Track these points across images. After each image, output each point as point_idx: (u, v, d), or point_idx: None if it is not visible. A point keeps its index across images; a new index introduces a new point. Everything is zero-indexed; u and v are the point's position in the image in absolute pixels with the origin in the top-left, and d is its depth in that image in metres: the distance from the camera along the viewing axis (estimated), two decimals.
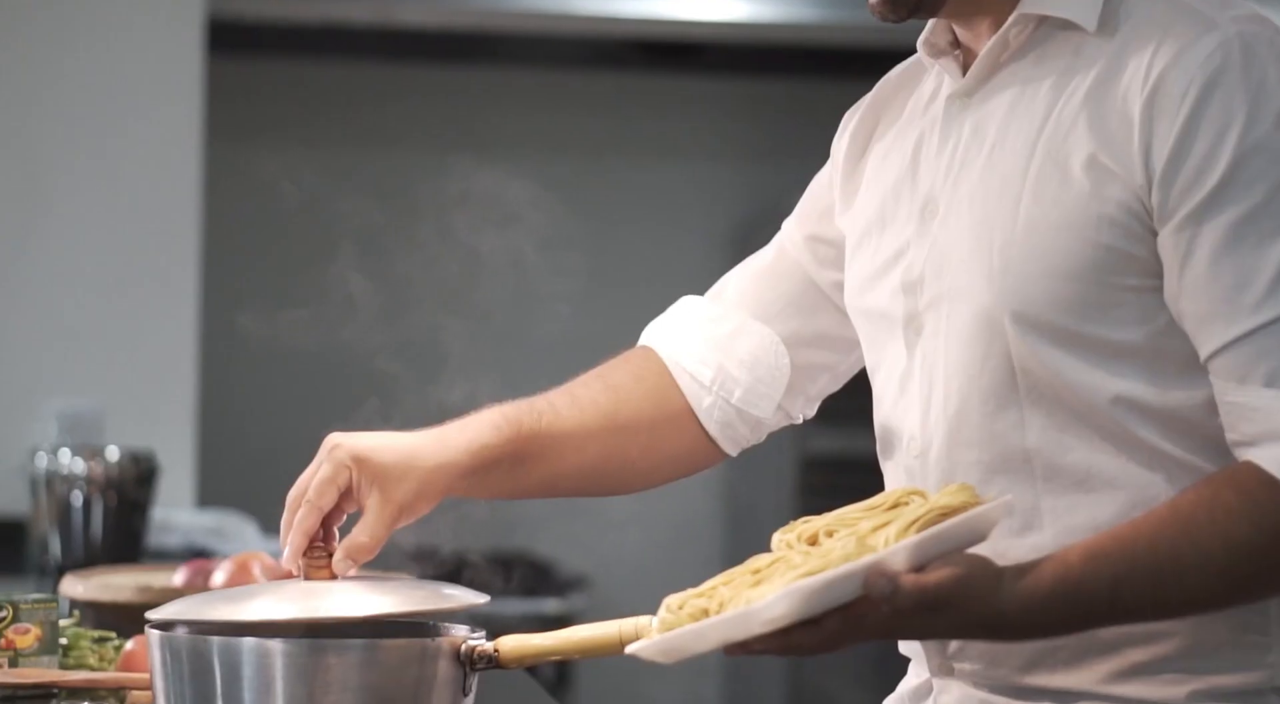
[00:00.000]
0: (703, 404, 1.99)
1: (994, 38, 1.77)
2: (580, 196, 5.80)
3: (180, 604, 1.80)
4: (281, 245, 5.57)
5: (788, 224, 2.02)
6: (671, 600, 1.59)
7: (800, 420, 2.04)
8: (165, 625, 1.74)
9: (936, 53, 1.83)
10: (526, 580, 5.33)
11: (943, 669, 1.79)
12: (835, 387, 2.04)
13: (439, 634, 1.73)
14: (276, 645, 1.65)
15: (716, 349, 1.99)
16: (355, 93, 5.69)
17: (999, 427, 1.73)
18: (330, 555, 1.81)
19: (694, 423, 1.99)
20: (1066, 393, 1.70)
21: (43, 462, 4.05)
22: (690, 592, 1.59)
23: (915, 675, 1.86)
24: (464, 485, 1.88)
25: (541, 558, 5.53)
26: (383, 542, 1.83)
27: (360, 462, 1.83)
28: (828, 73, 5.57)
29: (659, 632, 1.58)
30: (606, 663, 5.70)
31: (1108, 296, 1.69)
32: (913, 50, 1.89)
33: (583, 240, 5.82)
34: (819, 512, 1.65)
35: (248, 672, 1.64)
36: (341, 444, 1.84)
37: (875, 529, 1.59)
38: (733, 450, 2.01)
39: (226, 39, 4.85)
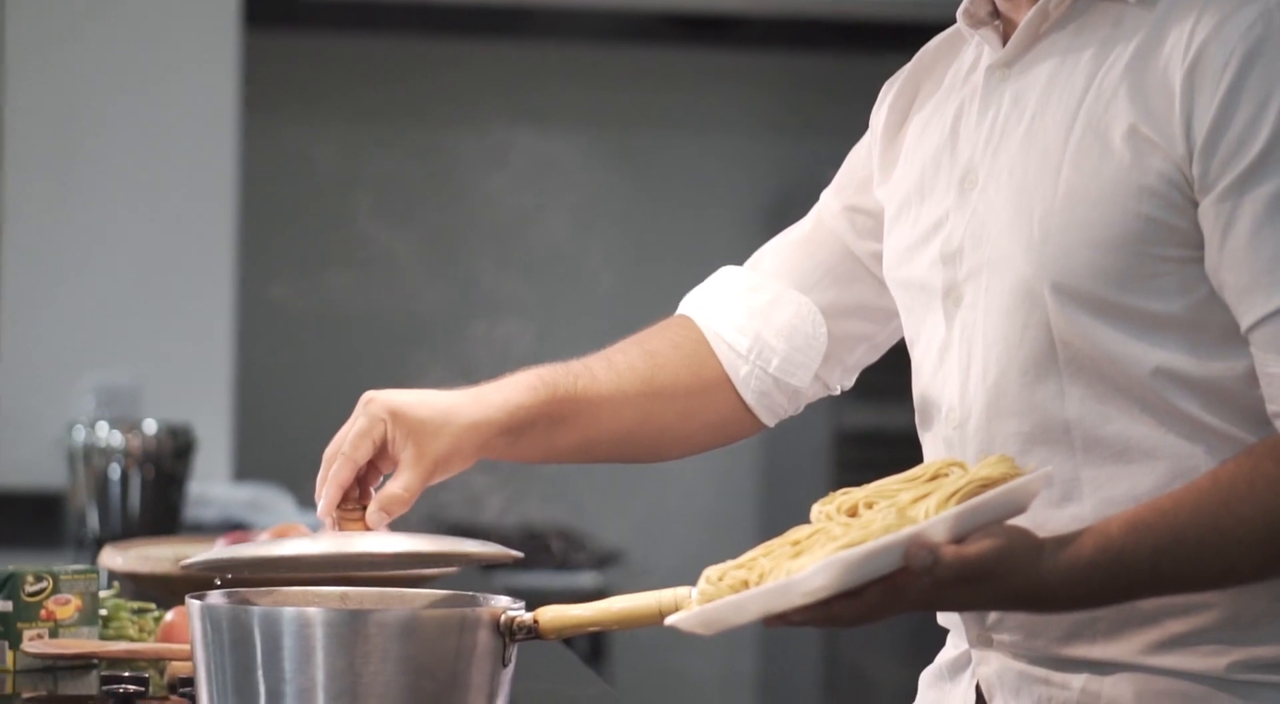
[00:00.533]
0: (740, 373, 1.99)
1: (1034, 8, 1.76)
2: (614, 171, 5.80)
3: (214, 551, 1.83)
4: (317, 218, 5.57)
5: (826, 195, 2.02)
6: (711, 572, 1.59)
7: (838, 391, 2.04)
8: (204, 575, 1.75)
9: (976, 23, 1.83)
10: (562, 554, 5.33)
11: (981, 640, 1.79)
12: (874, 357, 2.04)
13: (478, 605, 1.73)
14: (317, 615, 1.65)
15: (754, 318, 1.99)
16: (389, 66, 5.69)
17: (1038, 397, 1.73)
18: (364, 508, 1.82)
19: (731, 392, 1.99)
20: (1106, 364, 1.70)
21: (80, 435, 4.07)
22: (730, 563, 1.59)
23: (954, 647, 1.86)
24: (500, 444, 1.89)
25: (577, 531, 5.53)
26: (416, 494, 1.83)
27: (396, 415, 1.84)
28: (862, 46, 5.56)
29: (698, 603, 1.58)
30: (641, 636, 5.71)
31: (1148, 267, 1.68)
32: (947, 24, 1.88)
33: (617, 215, 5.82)
34: (854, 486, 1.65)
35: (288, 642, 1.65)
36: (377, 399, 1.85)
37: (915, 501, 1.58)
38: (770, 421, 2.01)
39: (263, 11, 4.85)
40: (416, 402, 1.85)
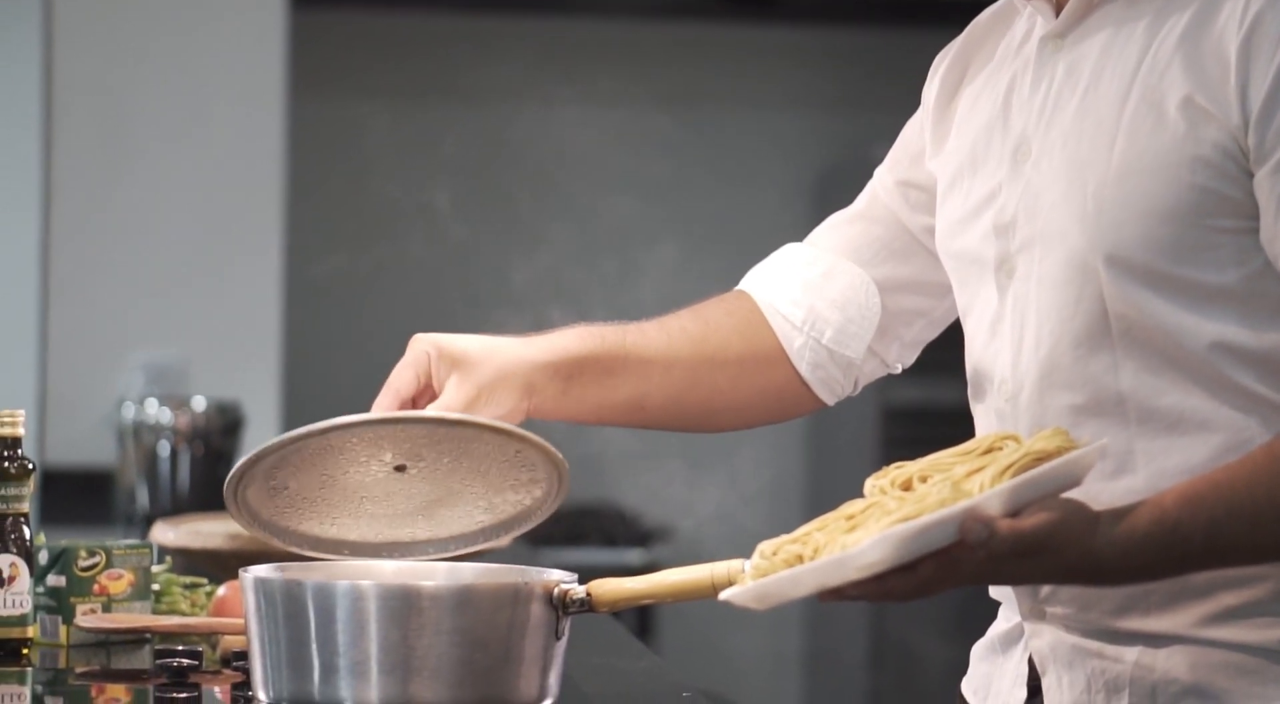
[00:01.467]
0: (794, 344, 1.99)
1: None
2: (659, 147, 5.79)
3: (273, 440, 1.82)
4: (365, 195, 5.58)
5: (879, 171, 2.02)
6: (765, 546, 1.59)
7: (899, 369, 2.03)
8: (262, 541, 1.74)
9: None
10: (610, 531, 5.33)
11: (1034, 613, 1.79)
12: (932, 333, 2.03)
13: (531, 578, 1.73)
14: (371, 588, 1.66)
15: (809, 291, 1.99)
16: (436, 44, 5.69)
17: (1092, 370, 1.72)
18: None
19: (786, 365, 1.99)
20: (1160, 336, 1.69)
21: (129, 412, 4.09)
22: (784, 538, 1.59)
23: (1005, 620, 1.86)
24: (550, 390, 1.89)
25: (625, 508, 5.54)
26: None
27: (440, 347, 1.86)
28: (907, 22, 5.53)
29: (752, 578, 1.58)
30: (688, 611, 5.70)
31: (1203, 239, 1.67)
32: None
33: (662, 191, 5.81)
34: (901, 461, 1.64)
35: (342, 615, 1.65)
36: (423, 336, 1.87)
37: (970, 474, 1.58)
38: (828, 398, 2.01)
39: None
40: (462, 337, 1.87)
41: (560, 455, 1.81)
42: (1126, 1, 1.74)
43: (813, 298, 1.99)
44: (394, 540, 1.85)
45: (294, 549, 1.84)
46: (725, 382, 1.98)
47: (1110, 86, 1.72)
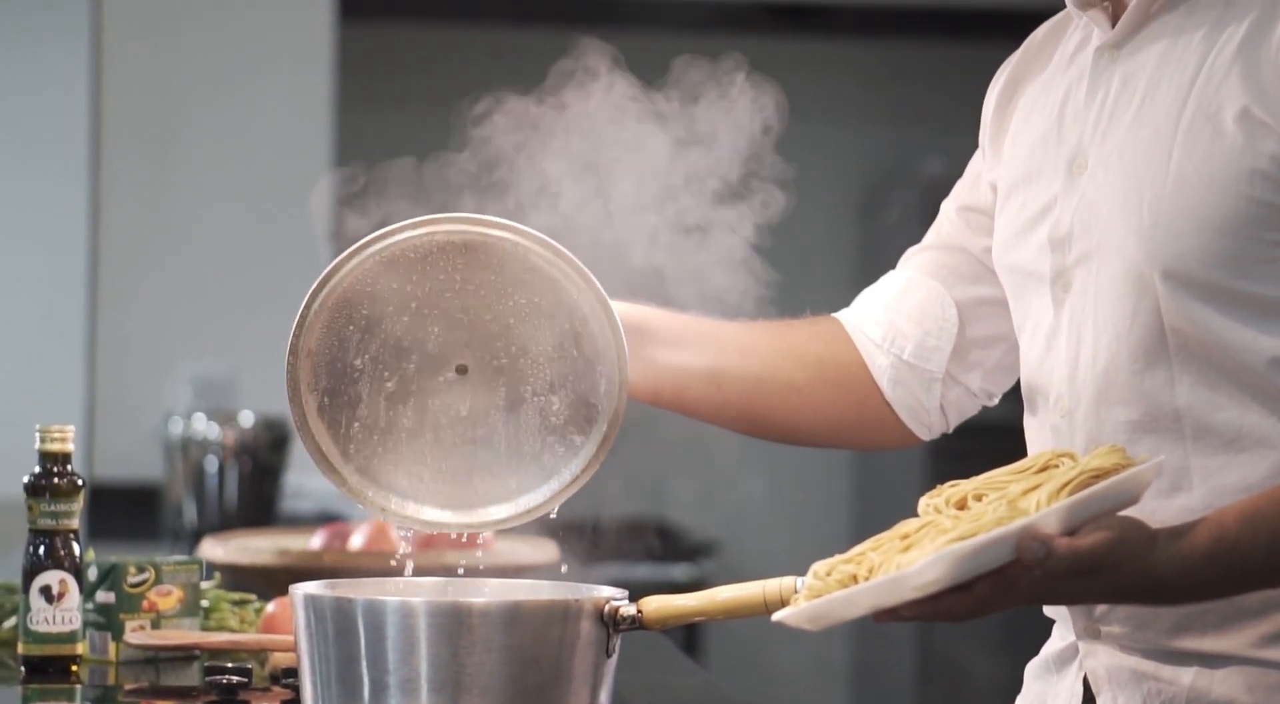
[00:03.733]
0: (876, 361, 1.97)
1: None
2: None
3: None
4: (413, 209, 5.58)
5: (944, 203, 2.00)
6: (819, 567, 1.57)
7: (992, 401, 2.00)
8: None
9: (1085, 5, 1.80)
10: (657, 546, 5.32)
11: (1089, 632, 1.77)
12: (1016, 357, 2.00)
13: (582, 595, 1.72)
14: (420, 605, 1.65)
15: (888, 309, 1.98)
16: (482, 57, 5.69)
17: (1148, 385, 1.70)
18: None
19: (868, 379, 1.97)
20: (1218, 351, 1.67)
21: (177, 427, 4.09)
22: (838, 558, 1.57)
23: (1060, 639, 1.84)
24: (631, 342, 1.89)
25: (671, 524, 5.52)
26: None
27: None
28: (953, 35, 5.52)
29: (806, 599, 1.56)
30: (736, 627, 5.68)
31: (1261, 252, 1.65)
32: (1041, 11, 1.86)
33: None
34: (949, 478, 1.63)
35: (391, 632, 1.64)
36: None
37: (1026, 492, 1.56)
38: (915, 425, 1.97)
39: (359, 4, 4.86)
40: None
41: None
42: (1184, 12, 1.73)
43: (891, 315, 1.97)
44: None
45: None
46: (802, 378, 1.96)
47: (1166, 98, 1.70)
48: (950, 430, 2.01)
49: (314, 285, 1.82)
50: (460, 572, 1.91)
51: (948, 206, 2.00)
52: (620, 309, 1.88)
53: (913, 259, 2.01)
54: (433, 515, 1.85)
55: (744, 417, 1.97)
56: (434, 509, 1.85)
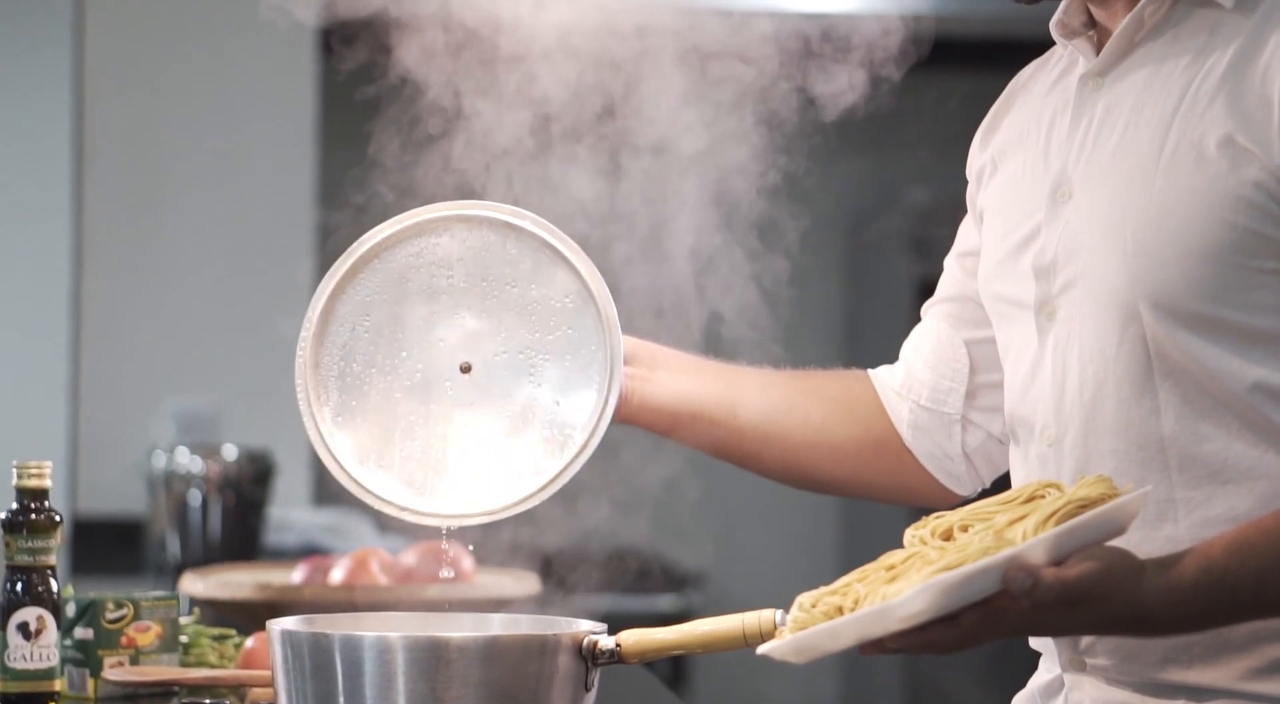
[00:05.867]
0: (894, 408, 1.97)
1: (1129, 16, 1.73)
2: None
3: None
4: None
5: (948, 256, 2.00)
6: (804, 598, 1.56)
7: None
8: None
9: (1070, 34, 1.80)
10: (642, 577, 5.31)
11: (1074, 664, 1.76)
12: None
13: (560, 629, 1.71)
14: (398, 641, 1.64)
15: (905, 358, 1.99)
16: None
17: (1135, 414, 1.69)
18: None
19: (886, 423, 1.96)
20: (1204, 378, 1.66)
21: (160, 461, 4.07)
22: (823, 589, 1.56)
23: (1046, 671, 1.83)
24: (638, 366, 1.88)
25: (657, 555, 5.51)
26: None
27: None
28: (941, 64, 5.52)
29: (791, 630, 1.55)
30: (722, 659, 5.66)
31: (1245, 280, 1.65)
32: (1022, 40, 1.85)
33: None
34: (934, 511, 1.62)
35: (369, 668, 1.64)
36: None
37: (1012, 523, 1.55)
38: (939, 473, 1.95)
39: (340, 35, 4.85)
40: None
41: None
42: (1168, 39, 1.72)
43: (908, 363, 1.97)
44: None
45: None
46: (819, 415, 1.95)
47: (1150, 125, 1.69)
48: (987, 485, 1.97)
49: (318, 287, 1.86)
50: (447, 607, 1.91)
51: (949, 259, 2.00)
52: (633, 343, 1.89)
53: (930, 310, 2.00)
54: (429, 507, 1.85)
55: (759, 451, 1.96)
56: (430, 502, 1.85)
